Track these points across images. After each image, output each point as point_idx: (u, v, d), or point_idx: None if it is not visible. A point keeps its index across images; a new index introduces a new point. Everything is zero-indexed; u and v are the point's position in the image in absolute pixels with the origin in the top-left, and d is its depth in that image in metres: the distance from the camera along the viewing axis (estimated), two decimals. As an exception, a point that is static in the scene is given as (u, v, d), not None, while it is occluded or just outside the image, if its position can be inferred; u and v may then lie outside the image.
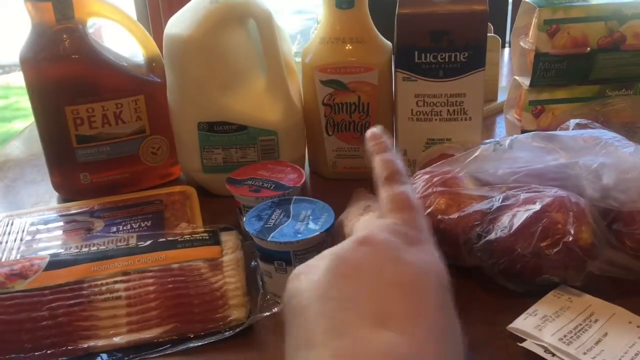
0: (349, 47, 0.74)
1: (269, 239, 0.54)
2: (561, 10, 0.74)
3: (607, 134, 0.57)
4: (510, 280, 0.55)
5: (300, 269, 0.38)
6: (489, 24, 1.00)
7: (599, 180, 0.55)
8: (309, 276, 0.36)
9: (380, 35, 0.78)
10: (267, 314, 0.55)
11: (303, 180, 0.65)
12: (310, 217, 0.57)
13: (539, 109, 0.79)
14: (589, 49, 0.75)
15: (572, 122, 0.62)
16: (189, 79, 0.72)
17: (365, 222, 0.46)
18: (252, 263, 0.60)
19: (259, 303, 0.56)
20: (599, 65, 0.76)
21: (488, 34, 0.97)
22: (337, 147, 0.78)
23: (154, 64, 0.78)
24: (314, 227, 0.55)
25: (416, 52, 0.72)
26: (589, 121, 0.62)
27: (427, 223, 0.41)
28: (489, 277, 0.56)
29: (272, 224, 0.56)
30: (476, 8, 0.70)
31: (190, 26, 0.69)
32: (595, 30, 0.74)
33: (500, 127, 0.91)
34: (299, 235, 0.54)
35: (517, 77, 0.82)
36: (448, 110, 0.74)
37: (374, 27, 0.77)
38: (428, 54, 0.72)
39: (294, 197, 0.60)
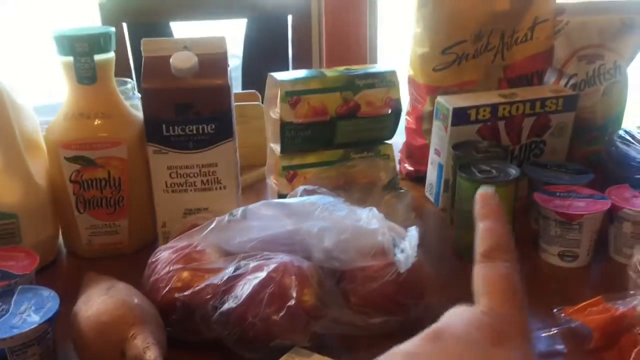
0: (96, 122, 0.73)
1: (-24, 339, 0.49)
2: (300, 83, 0.80)
3: (324, 199, 0.61)
4: (246, 348, 0.56)
5: None
6: (257, 93, 1.06)
7: (322, 243, 0.59)
8: None
9: (130, 109, 0.78)
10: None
11: (35, 267, 0.61)
12: (33, 307, 0.53)
13: (291, 174, 0.83)
14: (329, 117, 0.81)
15: (300, 188, 0.66)
16: None
17: (452, 310, 0.37)
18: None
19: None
20: (340, 131, 0.82)
21: (254, 103, 1.02)
22: (90, 225, 0.75)
23: None
24: (33, 319, 0.52)
25: (164, 125, 0.72)
26: (317, 187, 0.66)
27: (525, 315, 0.34)
28: (230, 350, 0.57)
29: (-16, 320, 0.52)
30: (217, 82, 0.73)
31: None
32: (332, 100, 0.81)
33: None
34: (15, 330, 0.50)
35: (271, 144, 0.86)
36: (202, 181, 0.75)
37: (123, 100, 0.76)
38: (176, 127, 0.73)
39: (20, 286, 0.56)
